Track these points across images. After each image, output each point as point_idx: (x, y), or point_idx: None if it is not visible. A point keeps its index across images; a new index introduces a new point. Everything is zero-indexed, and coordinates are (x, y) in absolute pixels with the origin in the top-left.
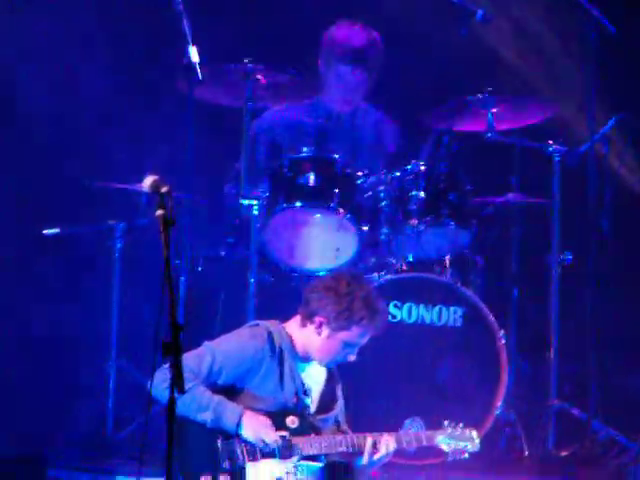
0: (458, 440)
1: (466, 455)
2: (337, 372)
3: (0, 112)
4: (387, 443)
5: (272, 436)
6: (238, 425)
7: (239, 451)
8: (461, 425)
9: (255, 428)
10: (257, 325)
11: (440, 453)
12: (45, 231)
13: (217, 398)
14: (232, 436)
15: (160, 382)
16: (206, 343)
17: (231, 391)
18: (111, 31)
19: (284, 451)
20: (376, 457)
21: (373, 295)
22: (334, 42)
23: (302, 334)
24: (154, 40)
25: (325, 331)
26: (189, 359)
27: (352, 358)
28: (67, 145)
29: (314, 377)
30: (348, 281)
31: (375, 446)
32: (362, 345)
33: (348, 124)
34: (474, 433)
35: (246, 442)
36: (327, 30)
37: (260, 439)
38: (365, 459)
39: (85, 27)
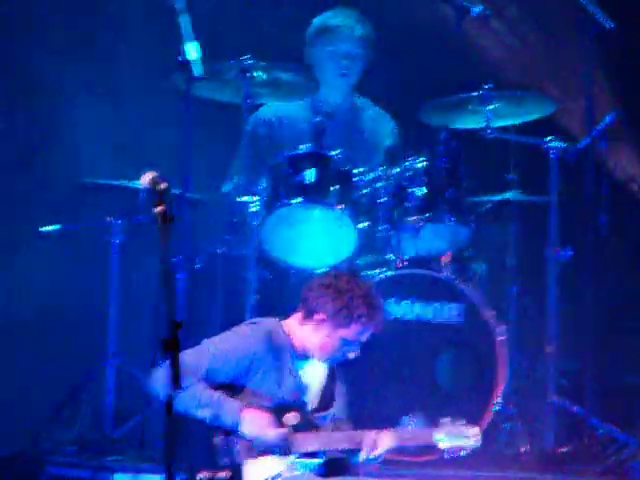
0: (456, 438)
1: (464, 452)
2: (337, 370)
3: None
4: (385, 440)
5: (272, 432)
6: (238, 422)
7: (238, 447)
8: (462, 422)
9: (255, 424)
10: (256, 323)
11: (437, 450)
12: (43, 228)
13: (217, 395)
14: (231, 432)
15: (159, 379)
16: (205, 340)
17: (231, 388)
18: (111, 27)
19: (283, 447)
20: (374, 454)
21: (372, 293)
22: (319, 23)
23: (301, 332)
24: (153, 36)
25: (325, 329)
26: (189, 356)
27: (352, 355)
28: (65, 142)
29: (313, 375)
30: (347, 279)
31: (374, 443)
32: (362, 343)
33: (346, 118)
34: (475, 430)
35: (245, 438)
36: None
37: (260, 435)
38: (363, 455)
39: (81, 22)
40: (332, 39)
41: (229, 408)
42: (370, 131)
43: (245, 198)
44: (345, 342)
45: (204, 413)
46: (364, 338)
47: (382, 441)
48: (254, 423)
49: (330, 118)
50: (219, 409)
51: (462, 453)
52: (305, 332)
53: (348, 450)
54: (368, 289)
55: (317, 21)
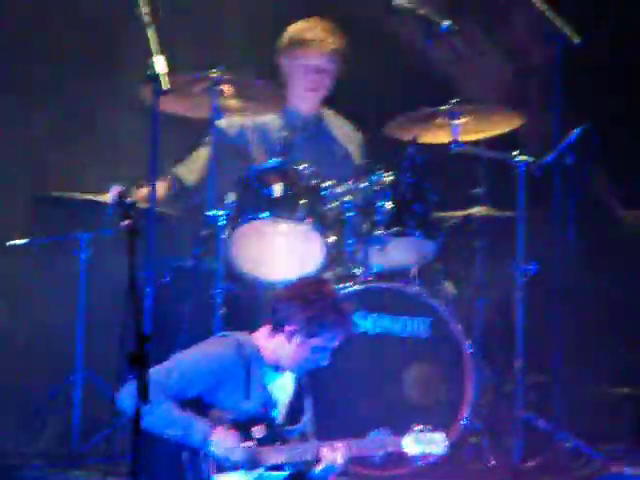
0: (425, 444)
1: (433, 458)
2: (307, 384)
3: None
4: (344, 449)
5: (240, 452)
6: (207, 442)
7: (205, 464)
8: (428, 428)
9: (224, 446)
10: (226, 336)
11: (407, 462)
12: (9, 242)
13: (185, 415)
14: (199, 450)
15: (126, 394)
16: (174, 356)
17: (200, 403)
18: (79, 39)
19: (250, 462)
20: (330, 465)
21: (340, 298)
22: (293, 32)
23: (272, 344)
24: (120, 49)
25: (296, 339)
26: (158, 373)
27: (324, 363)
28: (31, 154)
29: (283, 388)
30: (315, 287)
31: (333, 453)
32: (333, 349)
33: (314, 130)
34: (441, 436)
35: (214, 457)
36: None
37: (228, 456)
38: (322, 466)
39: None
40: (304, 53)
41: (198, 428)
42: (338, 143)
43: (213, 212)
44: (317, 350)
45: (173, 431)
46: (335, 344)
47: (340, 451)
48: (223, 443)
49: (299, 131)
50: (188, 429)
51: (431, 459)
52: (276, 344)
53: (310, 461)
54: (336, 295)
55: (290, 31)
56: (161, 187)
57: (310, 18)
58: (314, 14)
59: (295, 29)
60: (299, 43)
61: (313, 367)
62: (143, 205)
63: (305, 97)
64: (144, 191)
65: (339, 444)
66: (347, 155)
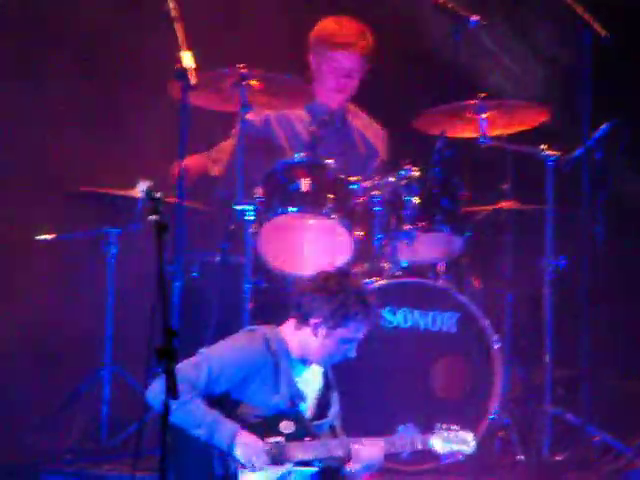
0: (453, 443)
1: (461, 457)
2: (333, 378)
3: None
4: (380, 448)
5: (264, 459)
6: (232, 445)
7: (233, 458)
8: (456, 427)
9: (247, 451)
10: (253, 330)
11: (434, 458)
12: (38, 237)
13: (211, 415)
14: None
15: (156, 389)
16: (202, 351)
17: (228, 399)
18: (105, 34)
19: (278, 457)
20: (369, 462)
21: (364, 288)
22: (325, 32)
23: (298, 337)
24: (148, 44)
25: (322, 331)
26: (186, 369)
27: (351, 354)
28: (60, 150)
29: (310, 382)
30: (337, 278)
31: (369, 451)
32: (358, 345)
33: (340, 126)
34: (470, 436)
35: (238, 461)
36: (313, 28)
37: (251, 463)
38: (359, 464)
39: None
40: (334, 55)
41: (224, 431)
42: (364, 138)
43: (241, 206)
44: (343, 341)
45: (199, 432)
46: (361, 335)
47: (377, 449)
48: (247, 449)
49: (326, 126)
50: (214, 430)
51: (460, 458)
52: (302, 337)
53: (343, 459)
54: (359, 286)
55: (321, 29)
56: (199, 160)
57: (342, 17)
58: (337, 8)
59: (327, 28)
60: (331, 44)
61: (340, 359)
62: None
63: (332, 96)
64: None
65: (374, 442)
66: (373, 150)
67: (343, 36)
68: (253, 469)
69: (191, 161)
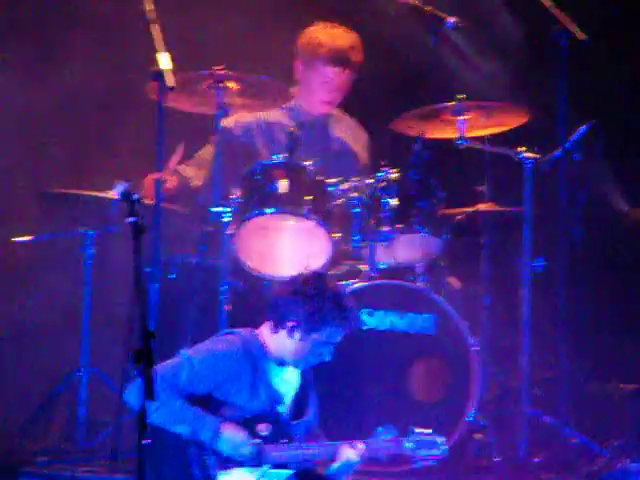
0: (425, 447)
1: (432, 461)
2: (311, 378)
3: None
4: (357, 449)
5: (248, 449)
6: (215, 438)
7: (211, 460)
8: (430, 431)
9: (233, 443)
10: (232, 333)
11: (408, 461)
12: (15, 239)
13: (193, 411)
14: (205, 446)
15: (135, 390)
16: (182, 352)
17: (208, 400)
18: (83, 36)
19: (255, 459)
20: (346, 464)
21: (341, 293)
22: (317, 43)
23: (275, 339)
24: (126, 46)
25: (297, 334)
26: (166, 369)
27: (327, 358)
28: (37, 151)
29: (288, 383)
30: (315, 282)
31: (346, 453)
32: (336, 346)
33: (321, 127)
34: (442, 439)
35: (221, 453)
36: (303, 32)
37: (236, 452)
38: (335, 466)
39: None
40: (328, 71)
41: (207, 424)
42: (345, 141)
43: (218, 208)
44: (319, 345)
45: (182, 428)
46: (338, 339)
47: (354, 452)
48: (232, 439)
49: (305, 128)
50: (197, 425)
51: (431, 462)
52: (279, 339)
53: (321, 461)
54: (337, 290)
55: (310, 37)
56: (173, 180)
57: (332, 26)
58: (317, 9)
59: (317, 38)
60: (322, 58)
61: (317, 362)
62: (148, 201)
63: (317, 106)
64: (152, 179)
65: (351, 443)
66: (353, 154)
67: (335, 51)
68: (236, 461)
69: (171, 183)
